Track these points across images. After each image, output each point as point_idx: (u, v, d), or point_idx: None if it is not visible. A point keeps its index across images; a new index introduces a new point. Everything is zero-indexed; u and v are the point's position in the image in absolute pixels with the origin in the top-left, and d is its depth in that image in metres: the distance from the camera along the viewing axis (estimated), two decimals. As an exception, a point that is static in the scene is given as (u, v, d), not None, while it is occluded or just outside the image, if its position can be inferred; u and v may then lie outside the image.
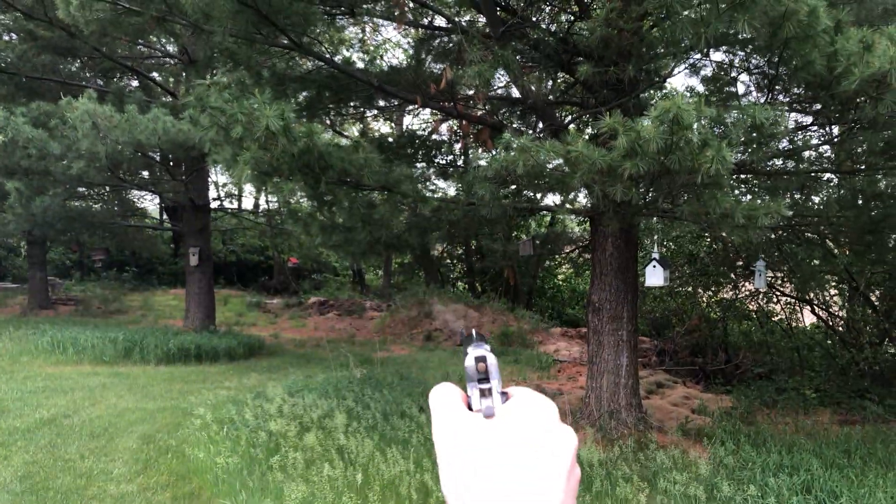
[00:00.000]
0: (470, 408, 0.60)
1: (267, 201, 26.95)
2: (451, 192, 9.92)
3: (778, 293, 12.64)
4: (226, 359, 12.23)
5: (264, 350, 13.67)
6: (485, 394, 0.60)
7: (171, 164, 14.56)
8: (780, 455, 6.05)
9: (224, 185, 25.89)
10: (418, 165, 8.73)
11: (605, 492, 5.14)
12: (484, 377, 0.61)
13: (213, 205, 17.62)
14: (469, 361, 0.62)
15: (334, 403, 7.36)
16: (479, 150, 6.52)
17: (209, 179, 16.61)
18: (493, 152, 6.02)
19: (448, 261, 25.92)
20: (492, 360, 0.62)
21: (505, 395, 0.60)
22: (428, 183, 9.09)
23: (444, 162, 9.04)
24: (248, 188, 25.33)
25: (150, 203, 25.44)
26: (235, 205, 26.85)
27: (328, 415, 6.87)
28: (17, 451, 6.19)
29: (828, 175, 7.71)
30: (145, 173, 15.31)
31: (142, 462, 6.01)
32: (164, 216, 26.10)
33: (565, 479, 0.53)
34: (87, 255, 23.67)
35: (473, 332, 0.71)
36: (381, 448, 5.80)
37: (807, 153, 7.21)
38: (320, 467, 5.28)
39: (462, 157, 9.70)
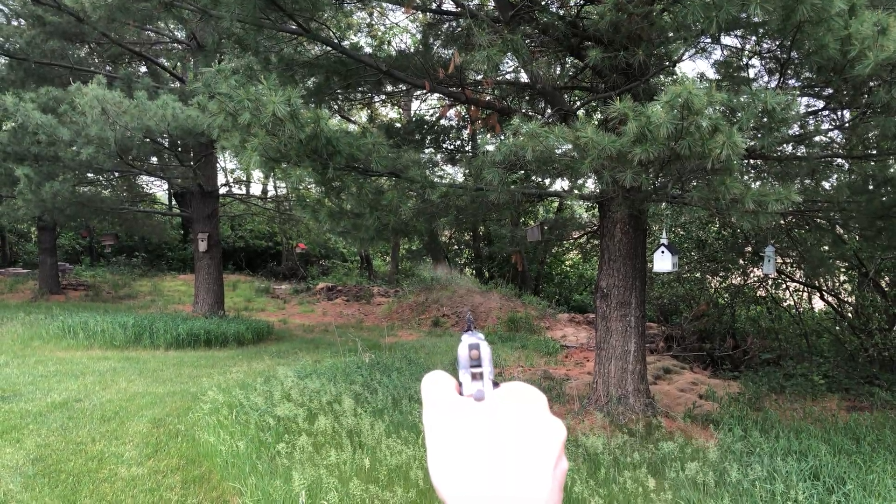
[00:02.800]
0: (461, 394, 0.60)
1: (275, 187, 27.01)
2: (459, 177, 9.90)
3: (787, 279, 12.59)
4: (235, 344, 12.30)
5: (273, 335, 13.74)
6: (476, 378, 0.61)
7: (180, 150, 14.58)
8: (787, 441, 6.06)
9: (233, 171, 25.93)
10: (426, 151, 8.70)
11: (612, 478, 5.15)
12: (476, 364, 0.62)
13: (222, 191, 17.64)
14: (462, 348, 0.62)
15: (343, 388, 7.39)
16: (488, 136, 6.50)
17: (218, 165, 16.62)
18: (502, 137, 5.99)
19: (456, 247, 25.91)
20: (485, 347, 0.62)
21: (496, 384, 0.61)
22: (436, 169, 9.08)
23: (452, 147, 9.01)
24: (257, 174, 25.38)
25: (158, 189, 25.51)
26: (244, 191, 26.89)
27: (337, 399, 6.91)
28: (29, 434, 6.26)
29: (839, 160, 7.66)
30: (154, 159, 15.33)
31: (152, 445, 6.07)
32: (173, 202, 26.18)
33: (553, 468, 0.54)
34: (96, 241, 23.79)
35: (469, 315, 0.72)
36: (389, 432, 5.83)
37: (818, 138, 7.16)
38: (329, 452, 5.32)
39: (470, 143, 9.67)
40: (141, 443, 6.14)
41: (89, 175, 14.59)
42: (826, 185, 7.67)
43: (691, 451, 5.73)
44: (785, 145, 6.76)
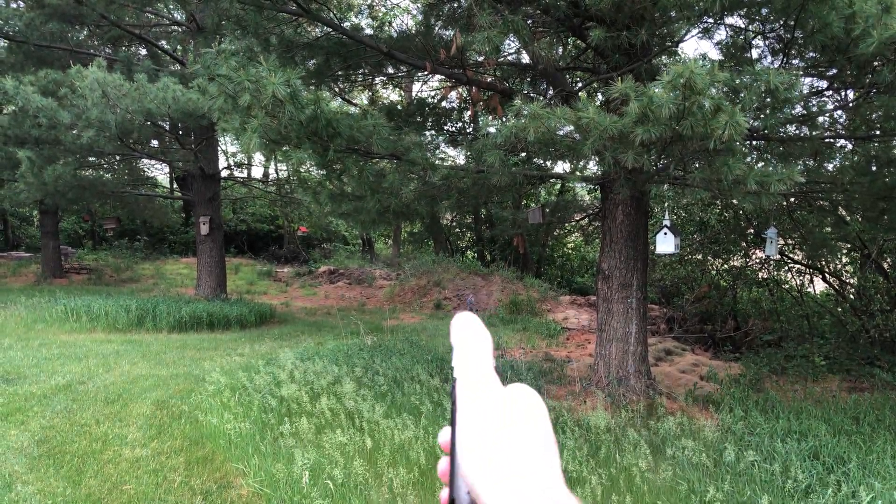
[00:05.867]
0: None
1: (276, 170, 26.97)
2: (461, 160, 9.87)
3: (789, 261, 12.59)
4: (237, 326, 12.35)
5: (275, 318, 13.78)
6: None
7: (181, 133, 14.54)
8: (788, 421, 6.08)
9: (234, 154, 25.89)
10: (427, 133, 8.67)
11: (612, 457, 5.18)
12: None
13: (223, 174, 17.61)
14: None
15: (345, 370, 7.42)
16: (489, 118, 6.47)
17: (219, 148, 16.58)
18: (504, 119, 5.97)
19: (457, 229, 25.90)
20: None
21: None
22: (437, 151, 9.05)
23: (453, 130, 8.98)
24: (258, 157, 25.33)
25: (160, 172, 25.50)
26: (245, 174, 26.84)
27: (339, 381, 6.94)
28: (34, 416, 6.30)
29: (842, 141, 7.62)
30: (155, 143, 15.31)
31: (156, 427, 6.10)
32: (175, 185, 26.16)
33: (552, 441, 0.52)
34: (98, 225, 23.81)
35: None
36: (391, 414, 5.86)
37: (821, 119, 7.12)
38: (331, 433, 5.35)
39: (471, 125, 9.63)
40: (144, 424, 6.18)
41: (91, 159, 14.57)
42: (829, 166, 7.64)
43: (692, 432, 5.76)
44: (788, 126, 6.73)
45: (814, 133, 7.07)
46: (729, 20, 6.81)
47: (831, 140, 7.25)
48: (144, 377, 7.94)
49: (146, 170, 21.08)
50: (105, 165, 16.71)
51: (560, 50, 9.39)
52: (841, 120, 7.51)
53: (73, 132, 10.84)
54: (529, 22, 7.00)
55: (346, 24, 8.48)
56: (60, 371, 8.02)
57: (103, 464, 5.21)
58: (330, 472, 4.59)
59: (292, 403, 6.23)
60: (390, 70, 8.76)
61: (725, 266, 13.39)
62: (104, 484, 4.85)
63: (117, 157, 15.60)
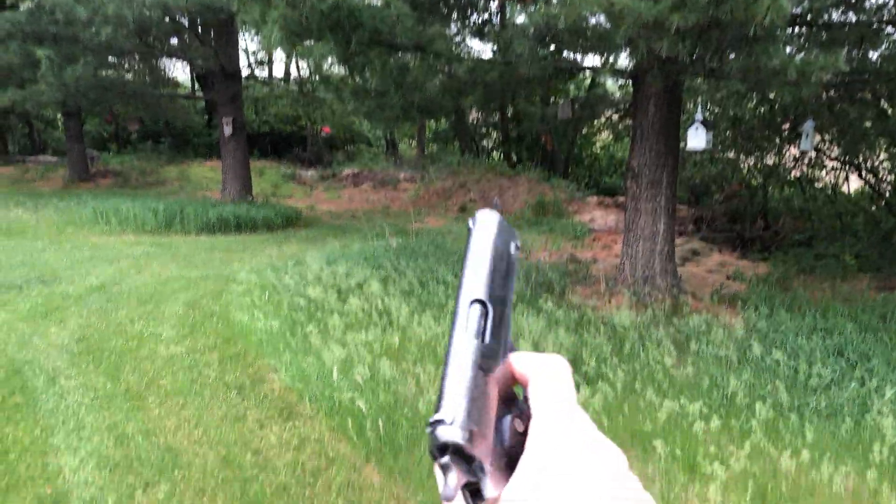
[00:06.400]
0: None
1: (298, 68, 26.43)
2: (487, 55, 9.54)
3: (824, 156, 12.24)
4: (264, 229, 12.44)
5: (301, 221, 13.84)
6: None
7: (200, 29, 14.21)
8: (814, 319, 6.05)
9: (254, 52, 25.35)
10: (453, 25, 8.35)
11: (636, 353, 5.23)
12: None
13: (244, 73, 17.29)
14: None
15: (371, 271, 7.48)
16: (518, 6, 6.18)
17: (239, 46, 16.21)
18: (533, 8, 5.69)
19: (483, 129, 25.45)
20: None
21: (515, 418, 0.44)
22: (463, 45, 8.74)
23: (479, 21, 8.62)
24: (279, 55, 24.79)
25: (181, 73, 25.16)
26: (266, 73, 26.37)
27: (365, 281, 7.01)
28: (71, 315, 6.49)
29: (889, 29, 7.19)
30: (174, 41, 15.00)
31: (188, 326, 6.26)
32: (196, 85, 25.85)
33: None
34: (122, 127, 23.76)
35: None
36: (417, 311, 5.93)
37: (868, 3, 6.69)
38: (359, 330, 5.44)
39: (498, 15, 9.24)
40: (177, 323, 6.33)
41: (110, 59, 14.36)
42: (873, 55, 7.24)
43: (716, 329, 5.76)
44: (832, 10, 6.34)
45: (860, 19, 6.67)
46: None
47: (878, 26, 6.84)
48: (175, 278, 8.09)
49: (167, 70, 20.77)
50: (125, 66, 16.49)
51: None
52: (889, 4, 7.06)
53: (91, 29, 10.63)
54: None
55: None
56: (94, 272, 8.20)
57: (140, 360, 5.39)
58: (357, 366, 4.69)
59: (321, 302, 6.33)
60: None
61: (758, 165, 13.06)
62: (142, 379, 5.02)
63: (136, 56, 15.36)
